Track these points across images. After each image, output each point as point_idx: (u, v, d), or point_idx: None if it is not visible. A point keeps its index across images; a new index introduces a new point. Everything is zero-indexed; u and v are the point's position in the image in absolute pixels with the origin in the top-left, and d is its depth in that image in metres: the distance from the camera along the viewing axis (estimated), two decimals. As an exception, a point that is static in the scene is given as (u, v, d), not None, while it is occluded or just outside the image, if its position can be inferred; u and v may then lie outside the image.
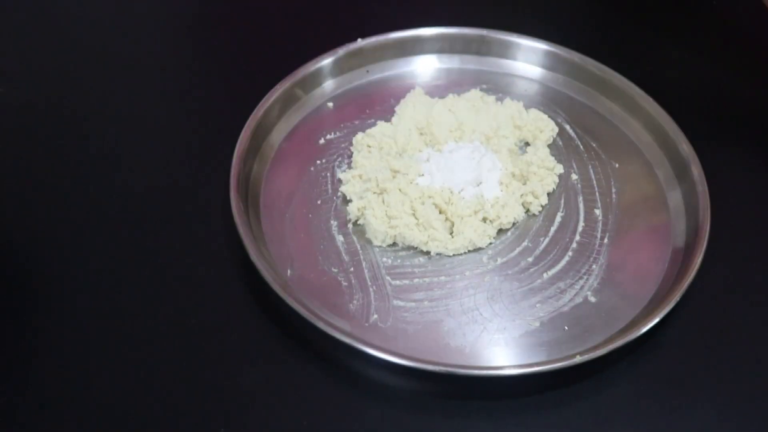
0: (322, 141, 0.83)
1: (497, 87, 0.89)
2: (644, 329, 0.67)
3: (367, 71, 0.89)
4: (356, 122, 0.85)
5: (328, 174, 0.80)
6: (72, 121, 0.84)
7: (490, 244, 0.75)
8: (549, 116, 0.86)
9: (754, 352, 0.70)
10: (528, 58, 0.90)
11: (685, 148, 0.80)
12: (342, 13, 0.96)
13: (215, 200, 0.76)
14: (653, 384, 0.68)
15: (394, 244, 0.75)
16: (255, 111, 0.80)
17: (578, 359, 0.65)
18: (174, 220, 0.76)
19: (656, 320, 0.67)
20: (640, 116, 0.85)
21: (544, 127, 0.84)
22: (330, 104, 0.86)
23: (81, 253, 0.74)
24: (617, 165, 0.82)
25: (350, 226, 0.76)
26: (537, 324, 0.70)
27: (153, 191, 0.79)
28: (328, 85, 0.87)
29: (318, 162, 0.81)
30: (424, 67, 0.90)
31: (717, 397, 0.67)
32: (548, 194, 0.79)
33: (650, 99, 0.84)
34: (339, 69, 0.88)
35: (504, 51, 0.90)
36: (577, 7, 0.99)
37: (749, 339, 0.71)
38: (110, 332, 0.68)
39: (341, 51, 0.87)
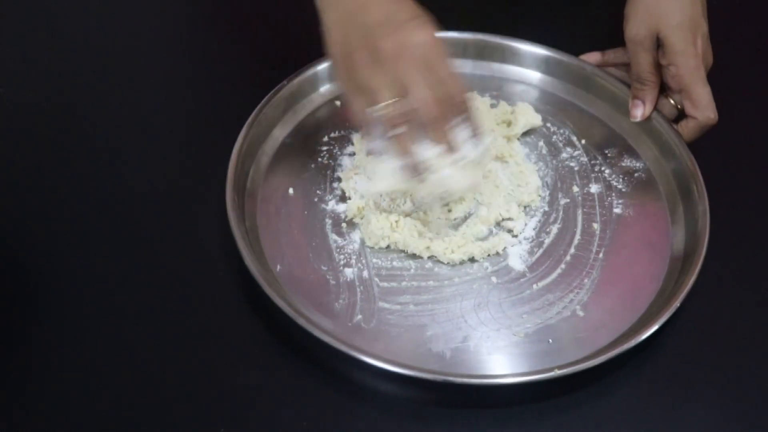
0: (325, 138, 0.83)
1: (504, 95, 0.88)
2: (624, 347, 0.67)
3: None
4: (361, 122, 0.85)
5: (328, 172, 0.80)
6: (72, 119, 0.85)
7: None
8: (557, 127, 0.86)
9: (746, 377, 0.70)
10: (540, 67, 0.90)
11: (689, 165, 0.79)
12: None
13: (213, 196, 0.76)
14: (644, 396, 0.68)
15: (387, 246, 0.75)
16: (259, 106, 0.81)
17: (556, 373, 0.65)
18: (173, 215, 0.77)
19: (636, 342, 0.67)
20: (650, 133, 0.84)
21: (528, 115, 0.84)
22: (338, 102, 0.86)
23: (81, 250, 0.74)
24: (622, 179, 0.82)
25: (344, 225, 0.76)
26: (521, 335, 0.70)
27: (154, 185, 0.79)
28: (336, 83, 0.87)
29: (319, 159, 0.81)
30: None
31: (712, 409, 0.68)
32: (548, 204, 0.79)
33: (659, 117, 0.83)
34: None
35: (517, 59, 0.90)
36: (590, 17, 0.98)
37: (739, 369, 0.70)
38: (110, 333, 0.69)
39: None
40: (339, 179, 0.79)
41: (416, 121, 0.68)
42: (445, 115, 0.68)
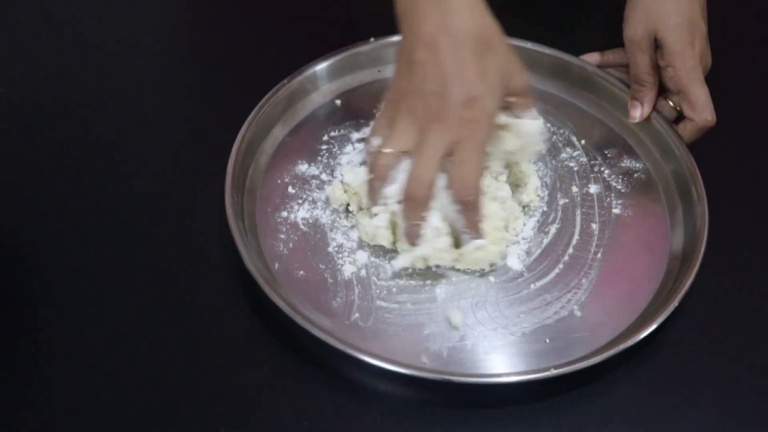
0: (325, 137, 0.83)
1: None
2: (621, 347, 0.66)
3: (378, 71, 0.89)
4: (361, 121, 0.85)
5: (328, 170, 0.80)
6: (72, 119, 0.85)
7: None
8: (557, 127, 0.85)
9: (744, 378, 0.70)
10: (538, 68, 0.89)
11: (689, 165, 0.79)
12: (358, 13, 0.96)
13: (213, 195, 0.76)
14: (642, 396, 0.68)
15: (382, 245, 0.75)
16: (260, 103, 0.81)
17: (552, 372, 0.65)
18: (172, 214, 0.77)
19: (633, 342, 0.67)
20: (650, 133, 0.84)
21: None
22: (338, 102, 0.86)
23: (80, 250, 0.74)
24: (621, 180, 0.82)
25: (343, 223, 0.76)
26: (519, 335, 0.70)
27: (154, 184, 0.80)
28: (338, 82, 0.87)
29: (319, 158, 0.81)
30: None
31: (711, 408, 0.68)
32: (546, 204, 0.79)
33: (659, 117, 0.83)
34: (350, 67, 0.88)
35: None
36: (590, 17, 0.98)
37: (737, 369, 0.71)
38: (109, 332, 0.69)
39: (353, 49, 0.87)
40: (341, 176, 0.79)
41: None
42: (424, 203, 0.68)
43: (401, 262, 0.72)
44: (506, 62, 0.69)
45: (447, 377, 0.65)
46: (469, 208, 0.68)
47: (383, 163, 0.68)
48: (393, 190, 0.70)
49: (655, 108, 0.82)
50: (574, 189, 0.81)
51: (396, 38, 0.86)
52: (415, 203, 0.68)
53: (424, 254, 0.71)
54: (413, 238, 0.70)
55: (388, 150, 0.68)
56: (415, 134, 0.67)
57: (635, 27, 0.79)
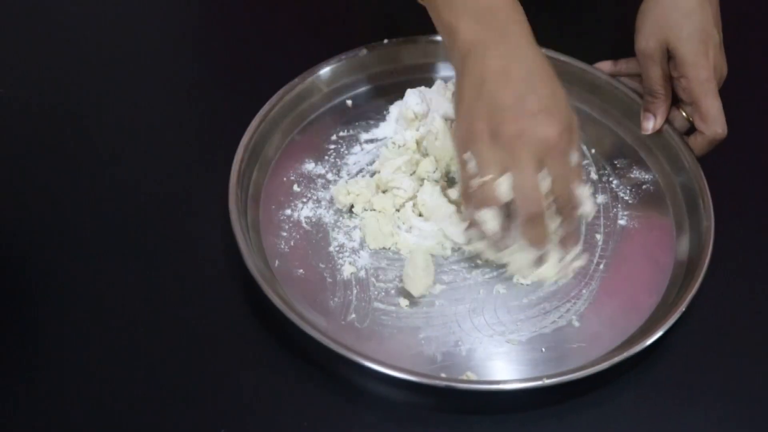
0: (333, 137, 0.83)
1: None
2: (614, 361, 0.66)
3: (392, 72, 0.89)
4: (371, 122, 0.85)
5: (335, 169, 0.81)
6: (73, 118, 0.85)
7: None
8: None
9: (742, 401, 0.69)
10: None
11: (698, 179, 0.78)
12: (372, 14, 0.96)
13: (218, 191, 0.76)
14: (635, 410, 0.68)
15: (389, 248, 0.75)
16: (270, 101, 0.81)
17: (544, 382, 0.64)
18: (177, 211, 0.78)
19: (628, 355, 0.66)
20: (661, 145, 0.83)
21: None
22: (349, 102, 0.87)
23: (81, 247, 0.75)
24: (629, 191, 0.81)
25: (346, 223, 0.76)
26: (515, 342, 0.69)
27: (159, 180, 0.80)
28: (350, 82, 0.87)
29: (326, 158, 0.82)
30: (451, 71, 0.89)
31: (708, 421, 0.68)
32: None
33: (670, 130, 0.82)
34: (363, 67, 0.88)
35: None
36: (603, 24, 0.97)
37: (734, 389, 0.70)
38: (109, 331, 0.70)
39: (365, 50, 0.87)
40: (346, 175, 0.80)
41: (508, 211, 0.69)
42: (540, 213, 0.68)
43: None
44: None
45: (435, 382, 0.65)
46: (566, 218, 0.70)
47: (491, 194, 0.68)
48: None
49: (667, 119, 0.82)
50: (581, 198, 0.80)
51: (405, 40, 0.88)
52: (535, 220, 0.68)
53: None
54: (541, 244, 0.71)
55: (486, 178, 0.68)
56: (504, 154, 0.67)
57: (647, 39, 0.78)
